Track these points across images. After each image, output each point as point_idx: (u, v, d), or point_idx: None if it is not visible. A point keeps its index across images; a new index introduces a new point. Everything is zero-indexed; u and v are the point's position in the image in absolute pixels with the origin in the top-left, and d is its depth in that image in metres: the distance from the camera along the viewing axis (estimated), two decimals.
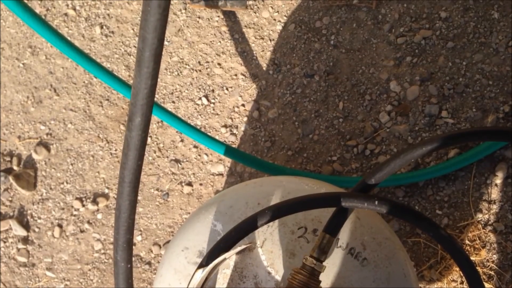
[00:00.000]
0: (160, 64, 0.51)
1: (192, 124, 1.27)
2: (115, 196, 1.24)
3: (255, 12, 1.33)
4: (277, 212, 0.68)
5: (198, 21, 1.34)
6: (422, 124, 1.20)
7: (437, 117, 1.20)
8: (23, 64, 1.36)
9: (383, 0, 1.28)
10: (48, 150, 1.30)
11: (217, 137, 1.27)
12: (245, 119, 1.28)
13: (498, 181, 1.14)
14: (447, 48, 1.23)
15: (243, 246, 0.73)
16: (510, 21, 1.21)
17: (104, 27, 1.36)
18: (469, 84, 1.20)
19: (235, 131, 1.28)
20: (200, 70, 1.32)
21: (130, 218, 0.63)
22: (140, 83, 0.49)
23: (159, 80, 1.32)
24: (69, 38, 1.34)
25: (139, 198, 1.28)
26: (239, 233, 0.68)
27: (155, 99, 1.30)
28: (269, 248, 0.73)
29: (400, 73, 1.24)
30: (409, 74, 1.23)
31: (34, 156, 1.30)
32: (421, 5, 1.26)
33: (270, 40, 1.31)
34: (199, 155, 1.27)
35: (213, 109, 1.29)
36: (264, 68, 1.30)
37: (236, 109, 1.28)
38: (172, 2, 1.36)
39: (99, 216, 1.27)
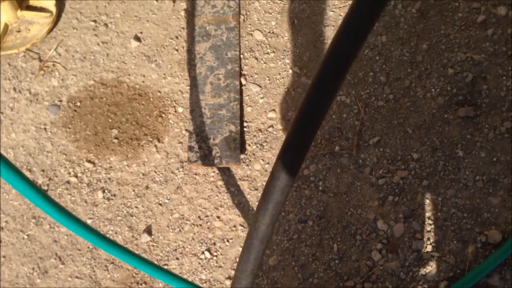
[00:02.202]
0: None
1: (197, 279, 1.55)
2: None
3: (247, 165, 1.69)
4: None
5: (195, 178, 1.68)
6: (411, 259, 1.52)
7: (424, 251, 1.52)
8: (27, 235, 1.64)
9: (361, 146, 1.67)
10: None
11: None
12: None
13: None
14: (423, 186, 1.60)
15: None
16: (473, 158, 1.60)
17: (106, 191, 1.68)
18: (447, 218, 1.55)
19: None
20: (200, 225, 1.63)
21: None
22: None
23: (162, 238, 1.62)
24: (72, 205, 1.65)
25: None
26: None
27: (162, 262, 1.59)
28: None
29: (385, 212, 1.59)
30: (393, 212, 1.58)
31: None
32: (394, 148, 1.65)
33: None
34: None
35: (216, 262, 1.58)
36: None
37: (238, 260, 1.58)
38: (169, 162, 1.70)
39: None
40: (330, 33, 1.85)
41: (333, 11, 1.88)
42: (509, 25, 1.76)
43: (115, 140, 1.75)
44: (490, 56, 1.73)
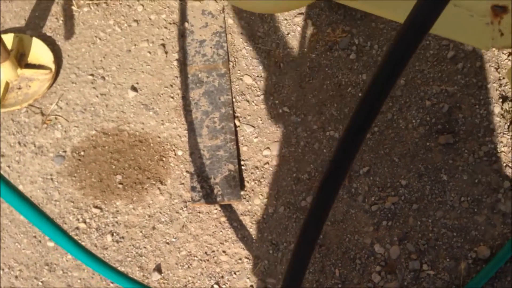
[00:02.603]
0: None
1: None
2: None
3: (247, 201, 1.80)
4: None
5: (199, 216, 1.79)
6: (409, 278, 1.64)
7: (420, 270, 1.65)
8: (41, 282, 1.71)
9: (353, 176, 1.81)
10: None
11: None
12: None
13: None
14: (413, 209, 1.74)
15: None
16: (457, 181, 1.76)
17: (115, 234, 1.77)
18: (438, 238, 1.68)
19: None
20: (208, 260, 1.72)
21: None
22: None
23: (171, 275, 1.71)
24: None
25: None
26: None
27: None
28: None
29: (380, 236, 1.71)
30: (388, 236, 1.71)
31: None
32: (384, 176, 1.80)
33: (265, 223, 1.77)
34: None
35: None
36: (265, 249, 1.73)
37: None
38: (173, 202, 1.81)
39: None
40: (314, 74, 2.02)
41: (316, 54, 2.06)
42: (477, 59, 1.96)
43: (120, 185, 1.86)
44: (463, 88, 1.92)
